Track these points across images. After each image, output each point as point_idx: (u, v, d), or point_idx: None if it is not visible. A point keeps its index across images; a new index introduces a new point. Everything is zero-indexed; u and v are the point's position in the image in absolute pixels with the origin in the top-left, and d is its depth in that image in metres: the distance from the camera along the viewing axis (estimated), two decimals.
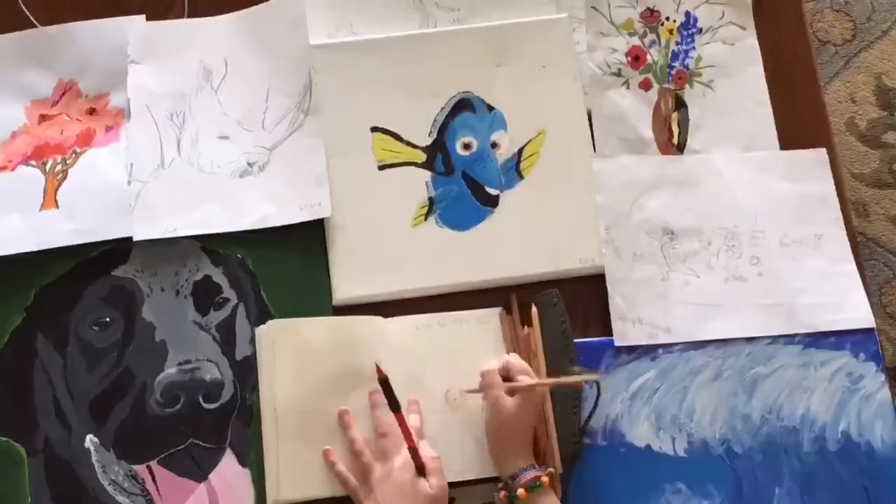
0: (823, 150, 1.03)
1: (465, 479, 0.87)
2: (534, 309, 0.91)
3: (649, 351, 0.94)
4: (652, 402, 0.92)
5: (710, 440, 0.91)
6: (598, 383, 0.88)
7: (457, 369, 0.90)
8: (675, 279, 0.97)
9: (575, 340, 0.90)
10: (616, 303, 0.94)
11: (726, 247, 0.98)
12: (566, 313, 0.91)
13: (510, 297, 0.94)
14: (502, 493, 0.82)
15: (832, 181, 1.02)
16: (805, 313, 0.96)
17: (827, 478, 0.91)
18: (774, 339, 0.95)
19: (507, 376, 0.85)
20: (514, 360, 0.86)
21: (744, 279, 0.97)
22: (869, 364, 0.94)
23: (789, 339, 0.95)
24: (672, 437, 0.91)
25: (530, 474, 0.81)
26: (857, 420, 0.92)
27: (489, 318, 0.93)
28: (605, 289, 0.95)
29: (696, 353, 0.94)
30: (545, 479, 0.80)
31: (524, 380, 0.84)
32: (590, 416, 0.88)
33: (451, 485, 0.86)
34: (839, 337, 0.95)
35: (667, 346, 0.94)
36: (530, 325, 0.91)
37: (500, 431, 0.84)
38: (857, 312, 0.97)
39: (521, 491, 0.80)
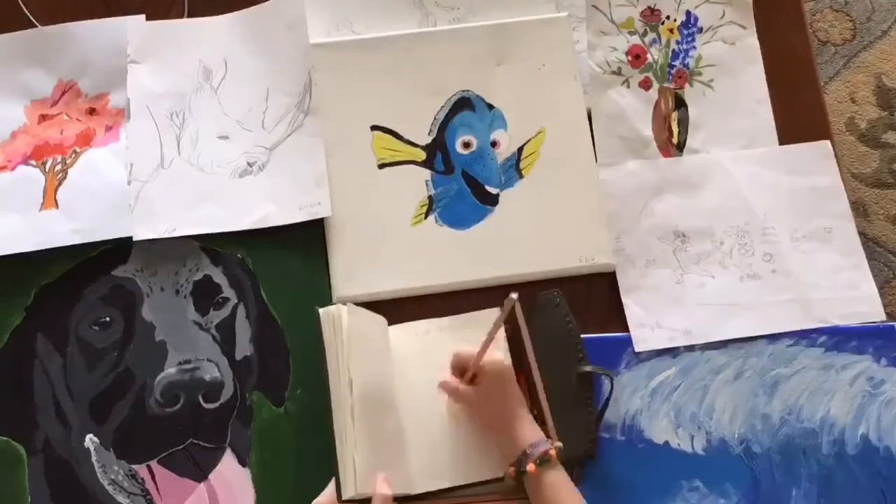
0: (827, 143, 1.03)
1: (466, 482, 0.86)
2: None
3: (670, 349, 0.94)
4: (672, 400, 0.92)
5: (728, 439, 0.91)
6: (612, 379, 0.88)
7: None
8: (690, 281, 0.96)
9: (595, 336, 0.91)
10: (632, 310, 0.94)
11: (738, 245, 0.98)
12: (570, 313, 0.90)
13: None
14: (511, 468, 0.81)
15: (838, 172, 1.01)
16: (820, 308, 0.96)
17: (844, 481, 0.90)
18: (796, 340, 0.95)
19: (465, 368, 0.85)
20: (463, 350, 0.85)
21: (758, 276, 0.97)
22: (890, 369, 0.94)
23: (811, 341, 0.95)
24: (691, 435, 0.91)
25: (541, 448, 0.80)
26: (877, 425, 0.92)
27: (489, 320, 0.93)
28: (606, 287, 0.95)
29: (717, 353, 0.94)
30: (552, 451, 0.79)
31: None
32: (602, 412, 0.88)
33: (451, 489, 0.86)
34: (861, 341, 0.95)
35: (688, 345, 0.94)
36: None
37: (480, 421, 0.85)
38: (869, 305, 0.96)
39: (531, 466, 0.79)
